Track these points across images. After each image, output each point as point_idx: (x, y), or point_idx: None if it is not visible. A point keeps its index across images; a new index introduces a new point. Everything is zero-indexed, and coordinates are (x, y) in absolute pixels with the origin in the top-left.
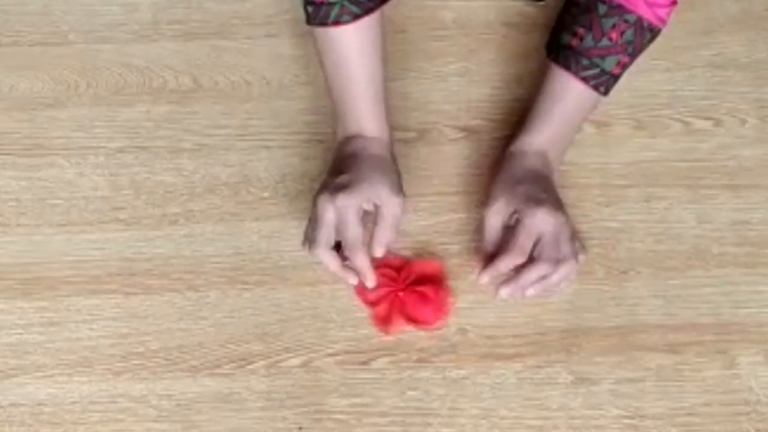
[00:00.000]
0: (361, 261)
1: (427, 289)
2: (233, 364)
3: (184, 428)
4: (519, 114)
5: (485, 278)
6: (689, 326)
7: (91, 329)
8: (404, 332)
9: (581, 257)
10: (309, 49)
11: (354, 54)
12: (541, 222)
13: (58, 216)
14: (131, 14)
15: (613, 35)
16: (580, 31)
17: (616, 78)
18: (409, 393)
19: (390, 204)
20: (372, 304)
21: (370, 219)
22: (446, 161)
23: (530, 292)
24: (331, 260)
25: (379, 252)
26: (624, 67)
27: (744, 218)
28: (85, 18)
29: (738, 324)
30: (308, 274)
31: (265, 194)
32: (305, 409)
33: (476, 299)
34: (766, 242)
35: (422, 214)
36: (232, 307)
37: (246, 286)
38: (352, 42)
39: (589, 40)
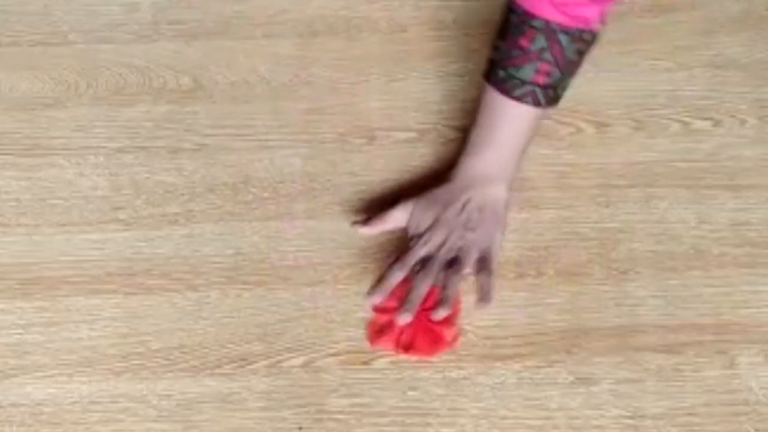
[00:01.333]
0: (441, 314)
1: (437, 325)
2: (233, 364)
3: (184, 428)
4: None
5: (376, 299)
6: (689, 326)
7: (91, 329)
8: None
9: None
10: (309, 50)
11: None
12: (423, 247)
13: (58, 216)
14: (131, 14)
15: (523, 43)
16: (498, 43)
17: (544, 87)
18: (409, 393)
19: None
20: (377, 311)
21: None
22: (446, 161)
23: (437, 313)
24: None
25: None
26: (548, 75)
27: (744, 218)
28: (85, 18)
29: (738, 324)
30: (308, 274)
31: (265, 194)
32: (305, 409)
33: (476, 299)
34: (766, 242)
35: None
36: (232, 307)
37: (246, 286)
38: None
39: (503, 51)
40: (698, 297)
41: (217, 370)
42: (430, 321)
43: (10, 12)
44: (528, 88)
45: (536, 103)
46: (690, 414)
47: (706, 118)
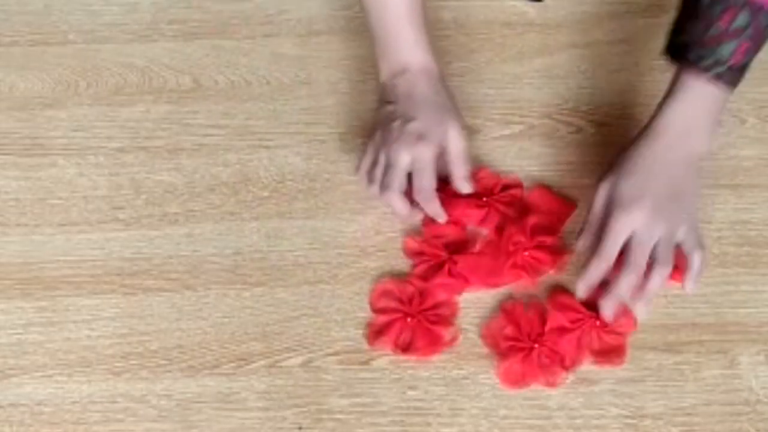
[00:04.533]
0: (435, 208)
1: (436, 327)
2: (233, 364)
3: (184, 428)
4: (519, 114)
5: (581, 291)
6: (689, 326)
7: (90, 329)
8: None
9: (696, 257)
10: (309, 49)
11: None
12: (628, 223)
13: (58, 216)
14: (131, 14)
15: (723, 22)
16: (689, 24)
17: (740, 67)
18: (409, 393)
19: (453, 139)
20: (377, 311)
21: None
22: None
23: (640, 310)
24: (402, 205)
25: (466, 188)
26: (746, 53)
27: (744, 218)
28: (85, 18)
29: (738, 324)
30: (308, 274)
31: (265, 194)
32: (305, 409)
33: (476, 299)
34: (766, 242)
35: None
36: (231, 307)
37: (246, 286)
38: None
39: (698, 31)
40: (698, 297)
41: (217, 370)
42: (429, 321)
43: (10, 12)
44: (724, 67)
45: (732, 83)
46: (690, 414)
47: None
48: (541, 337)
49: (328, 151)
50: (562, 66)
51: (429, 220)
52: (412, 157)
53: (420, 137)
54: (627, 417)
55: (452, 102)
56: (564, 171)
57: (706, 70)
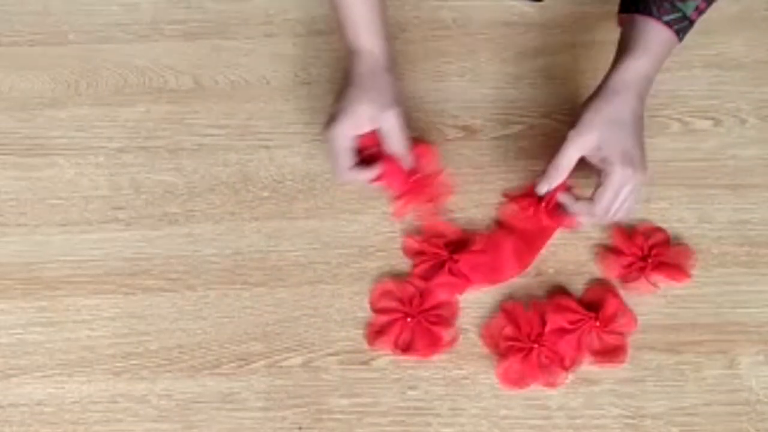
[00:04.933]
0: (349, 181)
1: (436, 328)
2: (233, 364)
3: (184, 428)
4: (519, 114)
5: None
6: (689, 326)
7: (90, 329)
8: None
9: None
10: (309, 49)
11: None
12: (625, 180)
13: (58, 216)
14: (131, 14)
15: None
16: None
17: (692, 24)
18: (409, 393)
19: (384, 119)
20: (377, 311)
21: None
22: (446, 161)
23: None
24: (359, 178)
25: (407, 162)
26: (701, 12)
27: (744, 218)
28: (85, 18)
29: (738, 324)
30: (308, 274)
31: (265, 194)
32: (305, 409)
33: (476, 299)
34: (766, 242)
35: (422, 213)
36: (232, 307)
37: (246, 286)
38: None
39: None
40: (698, 297)
41: (217, 370)
42: (429, 322)
43: (10, 12)
44: (685, 23)
45: (681, 38)
46: (690, 414)
47: (706, 118)
48: (541, 338)
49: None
50: (562, 66)
51: (429, 222)
52: (330, 139)
53: (335, 118)
54: (627, 417)
55: (388, 85)
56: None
57: (671, 24)
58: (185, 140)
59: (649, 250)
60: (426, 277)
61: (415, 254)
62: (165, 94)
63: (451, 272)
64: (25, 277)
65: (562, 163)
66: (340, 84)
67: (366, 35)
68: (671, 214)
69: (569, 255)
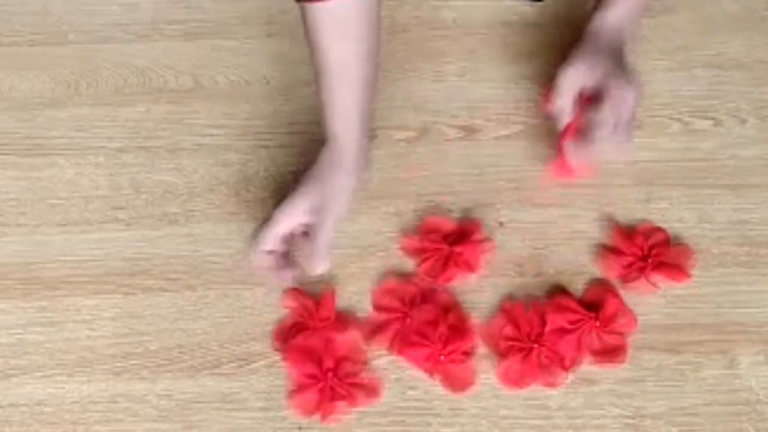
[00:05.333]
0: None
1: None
2: (233, 364)
3: (184, 428)
4: (519, 114)
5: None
6: (689, 326)
7: (90, 329)
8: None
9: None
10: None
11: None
12: (626, 96)
13: (58, 216)
14: (131, 14)
15: None
16: None
17: None
18: (409, 393)
19: (319, 218)
20: (376, 309)
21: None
22: (446, 161)
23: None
24: (265, 267)
25: (319, 269)
26: None
27: (744, 218)
28: (85, 18)
29: (738, 324)
30: (308, 274)
31: (265, 194)
32: None
33: (475, 299)
34: (766, 242)
35: (422, 213)
36: (232, 307)
37: (245, 286)
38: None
39: None
40: (698, 297)
41: (217, 370)
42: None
43: (10, 12)
44: None
45: None
46: (690, 414)
47: (706, 118)
48: (541, 338)
49: None
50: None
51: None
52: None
53: (284, 204)
54: (627, 417)
55: (344, 190)
56: None
57: None
58: (185, 140)
59: (649, 250)
60: (433, 274)
61: (416, 252)
62: (165, 94)
63: (456, 265)
64: (25, 277)
65: (562, 100)
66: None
67: (348, 123)
68: (671, 214)
69: (569, 255)
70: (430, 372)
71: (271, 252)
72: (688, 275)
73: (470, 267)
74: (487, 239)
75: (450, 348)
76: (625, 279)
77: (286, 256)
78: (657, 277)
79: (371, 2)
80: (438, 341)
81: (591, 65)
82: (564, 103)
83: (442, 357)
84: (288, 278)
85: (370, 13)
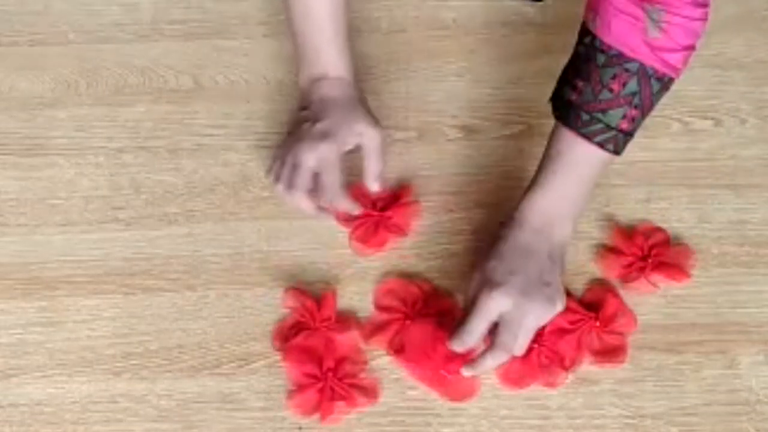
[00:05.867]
0: (343, 203)
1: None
2: (233, 364)
3: (184, 428)
4: (519, 114)
5: (469, 373)
6: (689, 326)
7: (90, 329)
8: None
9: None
10: None
11: None
12: (494, 306)
13: (58, 216)
14: (131, 14)
15: (614, 86)
16: (579, 84)
17: (625, 134)
18: (409, 393)
19: (370, 136)
20: (378, 308)
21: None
22: (446, 161)
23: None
24: (308, 205)
25: (376, 186)
26: (633, 121)
27: (744, 218)
28: (85, 18)
29: (738, 324)
30: (308, 274)
31: (265, 194)
32: None
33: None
34: (766, 242)
35: (422, 213)
36: (232, 307)
37: (246, 286)
38: None
39: (588, 93)
40: (698, 297)
41: (217, 370)
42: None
43: (10, 12)
44: (612, 133)
45: (616, 150)
46: (690, 414)
47: (706, 118)
48: (541, 338)
49: None
50: (562, 66)
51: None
52: (316, 156)
53: (324, 136)
54: (627, 417)
55: (364, 105)
56: None
57: (592, 136)
58: (185, 140)
59: (649, 250)
60: (365, 239)
61: (347, 220)
62: (165, 94)
63: (387, 229)
64: (25, 277)
65: (476, 325)
66: (308, 105)
67: (338, 62)
68: (671, 214)
69: (569, 255)
70: (432, 386)
71: (305, 192)
72: (688, 275)
73: (401, 230)
74: (415, 201)
75: (453, 366)
76: (625, 279)
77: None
78: (657, 277)
79: None
80: (439, 359)
81: (514, 300)
82: (477, 334)
83: (444, 372)
84: (332, 212)
85: None
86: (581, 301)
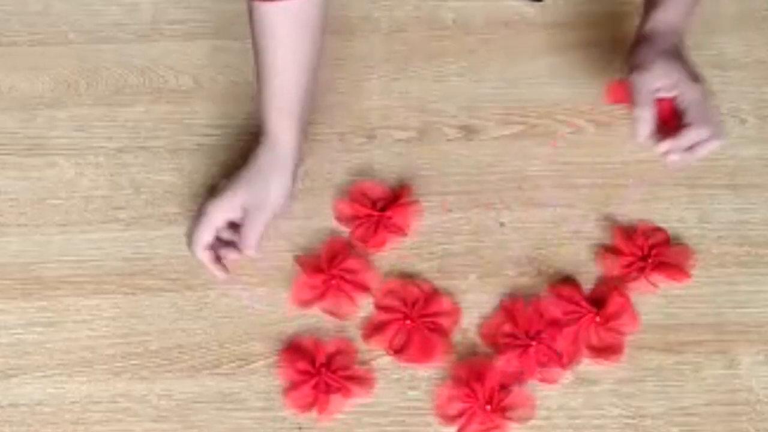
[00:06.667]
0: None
1: (433, 333)
2: (233, 364)
3: (184, 428)
4: (519, 114)
5: (671, 155)
6: (689, 326)
7: (90, 329)
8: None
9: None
10: None
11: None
12: (699, 96)
13: (58, 216)
14: (131, 14)
15: None
16: None
17: None
18: (409, 393)
19: (255, 215)
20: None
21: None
22: (446, 161)
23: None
24: (207, 261)
25: (248, 250)
26: None
27: (744, 218)
28: (85, 18)
29: (738, 324)
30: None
31: None
32: None
33: (476, 299)
34: (766, 242)
35: (422, 213)
36: (231, 307)
37: (246, 286)
38: (285, 27)
39: None
40: (698, 297)
41: (217, 370)
42: (427, 328)
43: (10, 12)
44: None
45: None
46: (690, 414)
47: None
48: (539, 335)
49: (328, 150)
50: (563, 66)
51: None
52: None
53: (218, 192)
54: (627, 417)
55: (281, 190)
56: (564, 170)
57: None
58: (185, 140)
59: (649, 250)
60: (365, 239)
61: (348, 219)
62: (165, 94)
63: (387, 229)
64: (25, 277)
65: (644, 104)
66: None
67: (287, 124)
68: (671, 214)
69: (569, 255)
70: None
71: (208, 245)
72: (688, 275)
73: (401, 230)
74: (416, 201)
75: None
76: (625, 279)
77: (219, 247)
78: (657, 277)
79: (317, 8)
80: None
81: (665, 70)
82: (645, 111)
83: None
84: (225, 269)
85: (315, 18)
86: (587, 297)
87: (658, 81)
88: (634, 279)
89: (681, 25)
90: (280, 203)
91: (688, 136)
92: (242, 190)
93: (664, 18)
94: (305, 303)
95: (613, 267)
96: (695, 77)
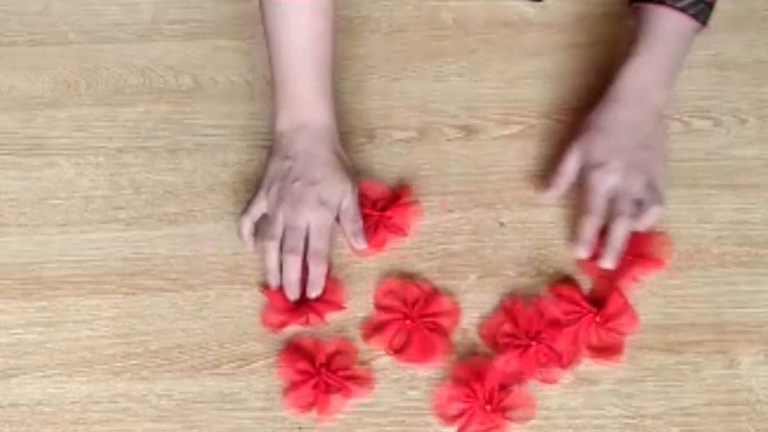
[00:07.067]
0: (322, 271)
1: (433, 333)
2: (233, 364)
3: (184, 428)
4: (519, 114)
5: (582, 252)
6: (689, 326)
7: (90, 329)
8: (377, 350)
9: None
10: None
11: (305, 31)
12: (604, 180)
13: (58, 216)
14: (131, 14)
15: None
16: None
17: (710, 5)
18: (409, 393)
19: (350, 198)
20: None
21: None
22: (446, 161)
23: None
24: (274, 258)
25: (361, 244)
26: None
27: (744, 218)
28: (85, 18)
29: (738, 324)
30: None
31: None
32: None
33: (476, 299)
34: (766, 242)
35: (422, 213)
36: (231, 307)
37: (246, 286)
38: (304, 18)
39: None
40: (698, 297)
41: (217, 370)
42: (427, 328)
43: (10, 12)
44: (700, 6)
45: (704, 21)
46: (690, 414)
47: (706, 118)
48: (539, 335)
49: None
50: (562, 66)
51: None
52: (315, 222)
53: (322, 202)
54: (627, 417)
55: (348, 162)
56: None
57: (686, 9)
58: (185, 140)
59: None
60: (366, 239)
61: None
62: (165, 94)
63: (387, 229)
64: (25, 277)
65: (566, 171)
66: (292, 155)
67: (323, 111)
68: (671, 214)
69: (569, 255)
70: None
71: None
72: (662, 262)
73: (401, 230)
74: (416, 201)
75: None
76: (611, 277)
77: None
78: (635, 270)
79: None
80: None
81: (630, 173)
82: (566, 175)
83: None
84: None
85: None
86: (587, 297)
87: (613, 178)
88: (617, 277)
89: (664, 79)
90: (354, 178)
91: (614, 237)
92: (316, 186)
93: (639, 75)
94: (275, 327)
95: (591, 267)
96: (611, 164)
